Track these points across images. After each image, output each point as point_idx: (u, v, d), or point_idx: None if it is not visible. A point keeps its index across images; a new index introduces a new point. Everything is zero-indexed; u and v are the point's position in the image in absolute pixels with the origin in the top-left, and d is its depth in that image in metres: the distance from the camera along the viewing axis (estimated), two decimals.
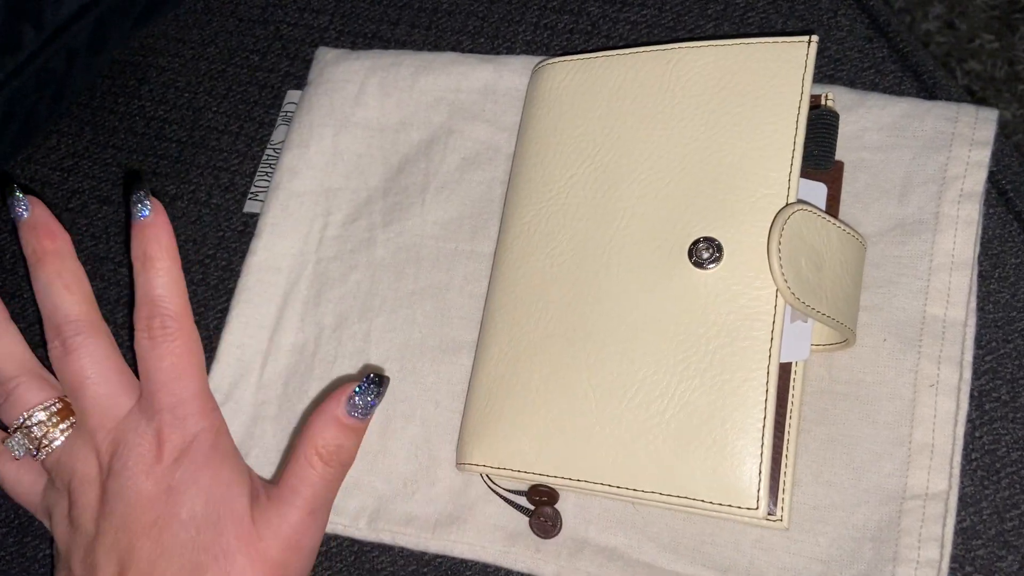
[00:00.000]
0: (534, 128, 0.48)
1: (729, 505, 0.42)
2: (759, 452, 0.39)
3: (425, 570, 0.47)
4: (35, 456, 0.42)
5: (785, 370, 0.42)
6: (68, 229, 0.57)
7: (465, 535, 0.46)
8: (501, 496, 0.46)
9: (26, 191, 0.43)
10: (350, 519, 0.47)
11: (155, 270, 0.42)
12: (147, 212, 0.42)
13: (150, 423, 0.40)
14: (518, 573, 0.46)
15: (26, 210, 0.43)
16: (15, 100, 0.54)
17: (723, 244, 0.41)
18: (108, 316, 0.55)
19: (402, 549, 0.48)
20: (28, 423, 0.41)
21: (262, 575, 0.40)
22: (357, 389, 0.41)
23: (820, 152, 0.44)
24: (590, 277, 0.44)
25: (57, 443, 0.41)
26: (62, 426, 0.42)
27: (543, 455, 0.42)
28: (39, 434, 0.41)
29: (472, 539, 0.46)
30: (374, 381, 0.41)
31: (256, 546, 0.40)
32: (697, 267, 0.41)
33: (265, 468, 0.49)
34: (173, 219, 0.57)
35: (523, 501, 0.46)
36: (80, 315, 0.42)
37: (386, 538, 0.47)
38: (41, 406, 0.42)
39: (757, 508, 0.39)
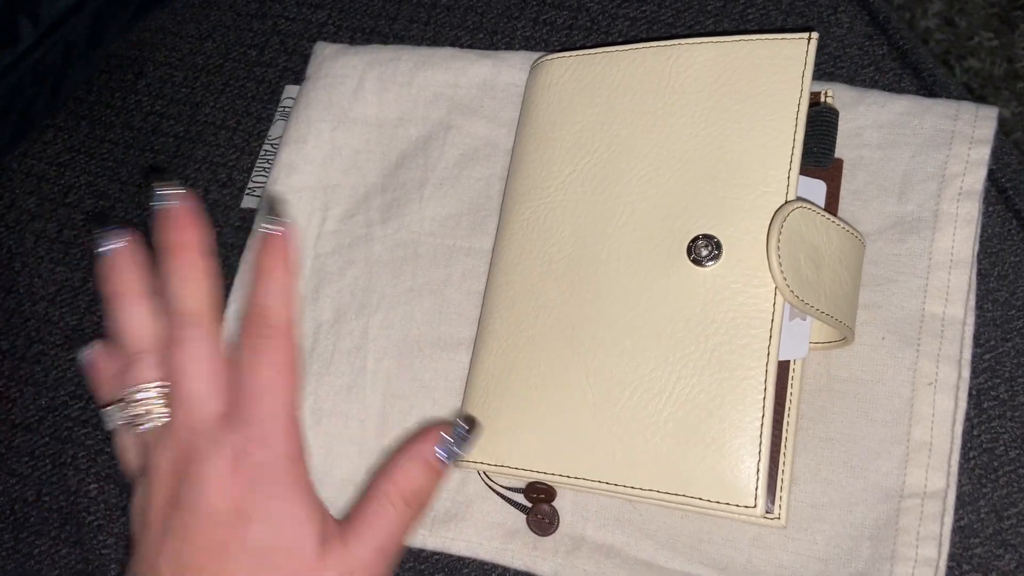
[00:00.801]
0: (533, 124, 0.48)
1: (727, 503, 0.41)
2: (757, 450, 0.39)
3: (423, 567, 0.47)
4: (131, 430, 0.41)
5: (783, 368, 0.42)
6: (64, 224, 0.57)
7: (463, 532, 0.46)
8: (498, 493, 0.46)
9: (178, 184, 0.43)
10: None
11: (272, 280, 0.41)
12: (277, 228, 0.41)
13: (232, 434, 0.39)
14: (515, 570, 0.46)
15: (170, 201, 0.42)
16: (11, 94, 0.54)
17: (722, 242, 0.41)
18: (104, 312, 0.55)
19: None
20: (131, 397, 0.41)
21: None
22: (452, 434, 0.41)
23: (819, 149, 0.44)
24: (588, 274, 0.43)
25: (150, 424, 0.40)
26: (163, 411, 0.41)
27: (541, 452, 0.42)
28: (139, 411, 0.40)
29: (470, 536, 0.46)
30: (468, 429, 0.42)
31: None
32: (696, 264, 0.41)
33: None
34: None
35: (520, 498, 0.46)
36: (193, 310, 0.41)
37: None
38: (150, 384, 0.41)
39: (755, 506, 0.39)
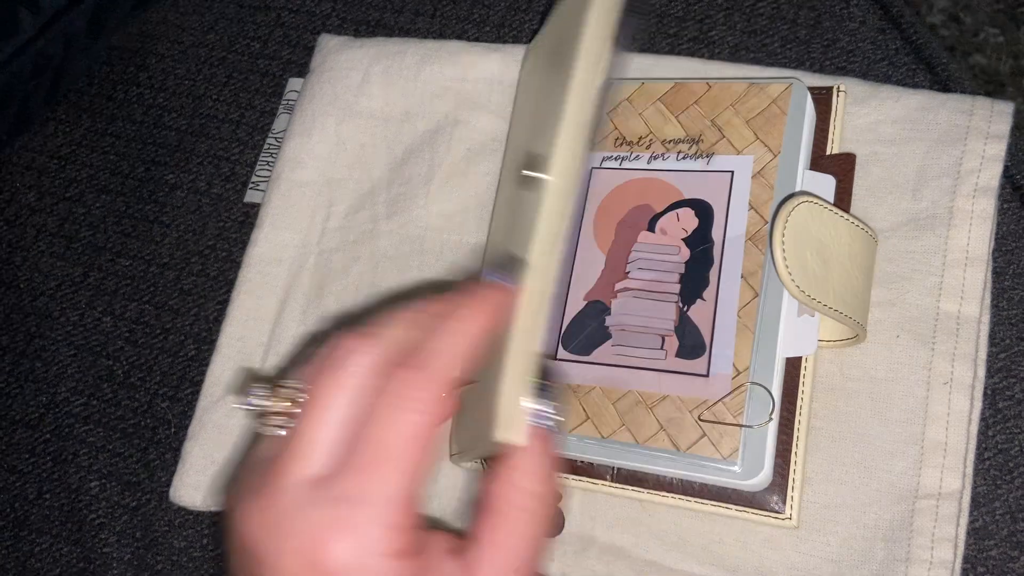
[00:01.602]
0: (515, 104, 0.49)
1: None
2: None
3: None
4: None
5: (794, 367, 0.42)
6: (65, 218, 0.56)
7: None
8: None
9: None
10: None
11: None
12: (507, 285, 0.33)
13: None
14: None
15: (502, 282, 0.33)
16: (11, 86, 0.53)
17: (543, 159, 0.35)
18: (105, 307, 0.55)
19: None
20: None
21: None
22: (537, 396, 0.33)
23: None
24: None
25: None
26: None
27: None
28: None
29: None
30: (545, 381, 0.33)
31: None
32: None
33: None
34: (172, 209, 0.56)
35: None
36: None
37: None
38: None
39: (766, 507, 0.38)
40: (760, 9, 0.53)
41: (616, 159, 0.46)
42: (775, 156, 0.43)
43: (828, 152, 0.45)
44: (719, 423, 0.40)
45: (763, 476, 0.40)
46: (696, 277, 0.43)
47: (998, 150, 0.45)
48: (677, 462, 0.41)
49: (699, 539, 0.43)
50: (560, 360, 0.44)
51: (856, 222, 0.42)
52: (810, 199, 0.40)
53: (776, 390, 0.41)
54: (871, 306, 0.44)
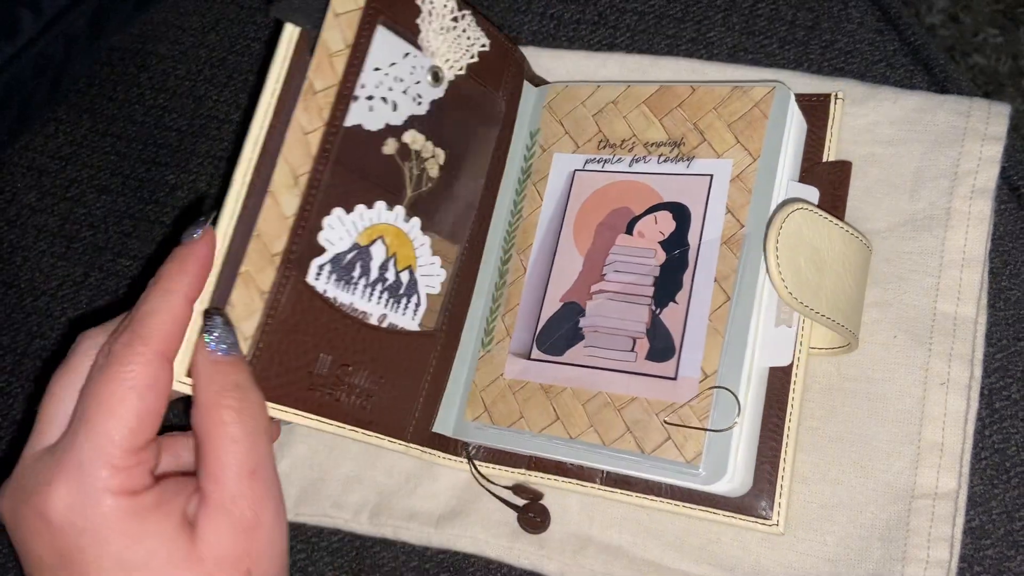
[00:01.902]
0: None
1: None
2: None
3: (427, 566, 0.47)
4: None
5: (784, 374, 0.42)
6: (65, 218, 0.57)
7: (468, 529, 0.45)
8: (490, 491, 0.45)
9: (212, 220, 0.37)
10: (351, 514, 0.47)
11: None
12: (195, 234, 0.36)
13: None
14: (520, 571, 0.46)
15: (195, 240, 0.37)
16: (12, 86, 0.54)
17: None
18: (105, 307, 0.55)
19: (404, 545, 0.47)
20: None
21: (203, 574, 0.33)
22: (211, 327, 0.36)
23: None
24: None
25: None
26: None
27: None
28: None
29: (476, 534, 0.45)
30: (220, 314, 0.36)
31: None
32: None
33: None
34: (173, 209, 0.56)
35: (509, 495, 0.45)
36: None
37: (388, 533, 0.46)
38: None
39: (754, 512, 0.39)
40: (758, 10, 0.53)
41: (599, 161, 0.46)
42: (755, 160, 0.43)
43: (824, 159, 0.45)
44: (684, 426, 0.40)
45: (739, 483, 0.40)
46: (670, 280, 0.43)
47: (995, 151, 0.45)
48: (641, 464, 0.41)
49: (696, 539, 0.43)
50: (533, 360, 0.44)
51: (850, 230, 0.42)
52: (804, 206, 0.40)
53: (751, 396, 0.41)
54: (868, 306, 0.44)
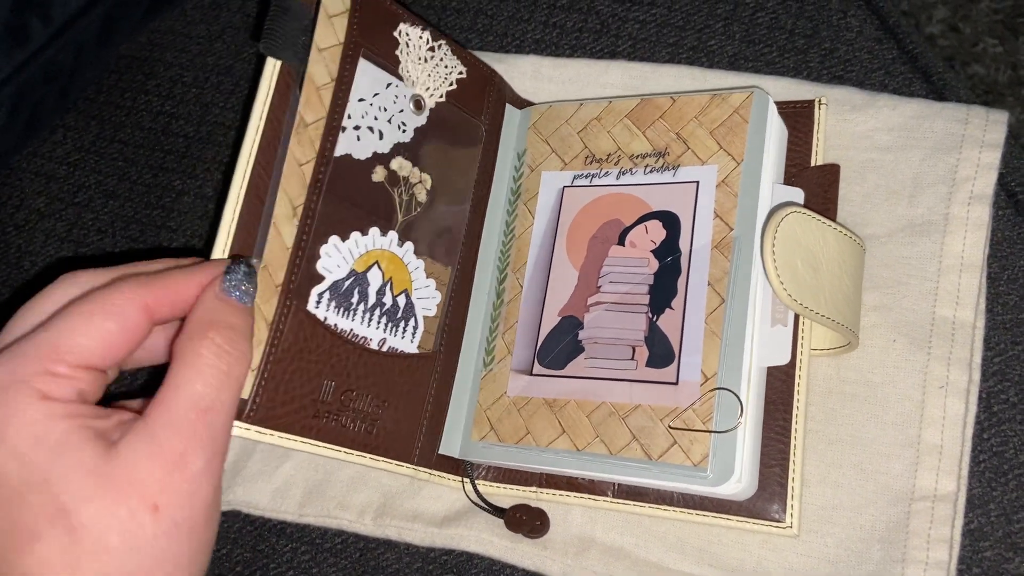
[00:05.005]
0: None
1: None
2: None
3: (431, 567, 0.47)
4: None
5: (788, 376, 0.42)
6: (73, 223, 0.57)
7: (472, 530, 0.46)
8: (475, 503, 0.46)
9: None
10: (356, 514, 0.47)
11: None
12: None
13: None
14: (524, 571, 0.46)
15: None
16: (22, 94, 0.54)
17: None
18: None
19: (408, 546, 0.48)
20: None
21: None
22: (232, 271, 0.35)
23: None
24: None
25: None
26: None
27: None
28: None
29: (479, 534, 0.46)
30: (243, 262, 0.36)
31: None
32: None
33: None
34: (180, 214, 0.56)
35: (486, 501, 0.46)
36: None
37: (392, 534, 0.47)
38: None
39: (766, 516, 0.39)
40: (758, 19, 0.53)
41: (587, 176, 0.47)
42: (739, 164, 0.44)
43: (813, 163, 0.45)
44: (689, 430, 0.40)
45: (746, 484, 0.40)
46: (665, 287, 0.43)
47: (993, 158, 0.45)
48: (650, 471, 0.41)
49: (698, 540, 0.44)
50: (536, 375, 0.44)
51: (843, 230, 0.42)
52: (798, 209, 0.41)
53: (752, 396, 0.41)
54: (867, 310, 0.45)
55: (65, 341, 0.32)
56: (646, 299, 0.43)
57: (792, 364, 0.42)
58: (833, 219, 0.44)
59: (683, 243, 0.44)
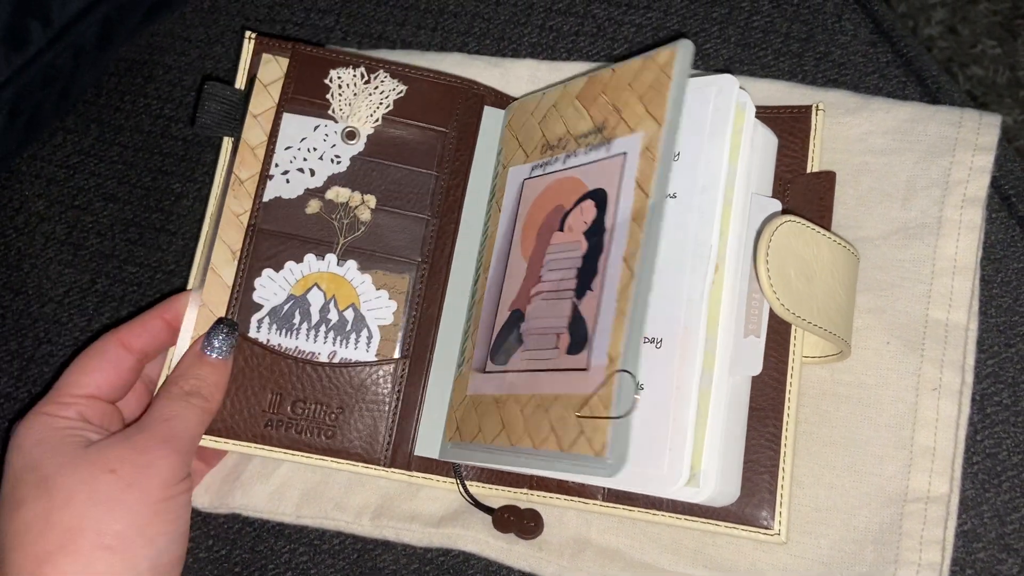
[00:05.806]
0: None
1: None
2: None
3: (427, 569, 0.47)
4: None
5: (779, 383, 0.42)
6: (73, 226, 0.58)
7: (469, 530, 0.46)
8: (467, 499, 0.46)
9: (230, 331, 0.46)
10: (353, 516, 0.47)
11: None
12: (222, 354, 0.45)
13: None
14: (519, 572, 0.46)
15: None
16: (22, 97, 0.55)
17: None
18: (112, 313, 0.56)
19: (405, 548, 0.48)
20: None
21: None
22: (214, 332, 0.45)
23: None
24: None
25: None
26: None
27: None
28: None
29: (477, 534, 0.46)
30: (228, 327, 0.45)
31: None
32: None
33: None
34: (178, 217, 0.57)
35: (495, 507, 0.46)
36: None
37: (390, 535, 0.47)
38: None
39: (755, 523, 0.39)
40: (754, 23, 0.54)
41: (542, 166, 0.46)
42: (660, 127, 0.40)
43: (808, 170, 0.45)
44: (589, 417, 0.37)
45: (715, 490, 0.39)
46: (589, 268, 0.40)
47: (986, 161, 0.46)
48: (560, 463, 0.38)
49: (692, 542, 0.44)
50: (488, 372, 0.43)
51: (837, 239, 0.42)
52: (792, 219, 0.41)
53: (723, 404, 0.40)
54: (861, 313, 0.45)
55: (67, 380, 0.45)
56: (574, 283, 0.41)
57: (783, 372, 0.42)
58: (828, 227, 0.44)
59: (608, 220, 0.40)
